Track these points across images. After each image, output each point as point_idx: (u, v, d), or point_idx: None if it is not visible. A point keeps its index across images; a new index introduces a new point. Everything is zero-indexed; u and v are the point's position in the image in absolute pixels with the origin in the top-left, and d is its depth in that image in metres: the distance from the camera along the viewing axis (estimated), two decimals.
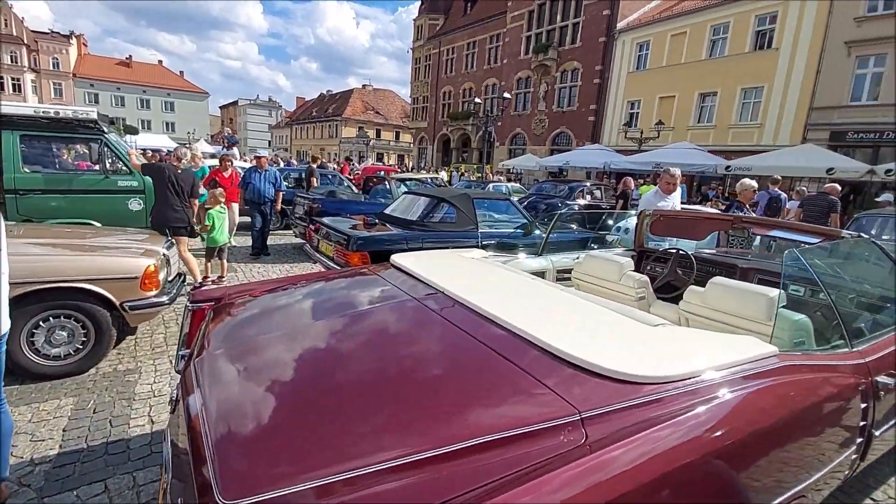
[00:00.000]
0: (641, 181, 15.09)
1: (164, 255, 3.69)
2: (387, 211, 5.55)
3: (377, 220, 4.99)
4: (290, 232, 8.08)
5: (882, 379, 1.68)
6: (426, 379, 1.34)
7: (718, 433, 1.18)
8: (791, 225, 2.94)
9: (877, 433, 1.71)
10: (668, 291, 3.11)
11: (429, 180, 10.84)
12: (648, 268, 3.51)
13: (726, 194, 14.43)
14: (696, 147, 17.17)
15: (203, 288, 2.15)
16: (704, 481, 1.14)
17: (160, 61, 60.75)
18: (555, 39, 27.04)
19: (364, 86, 60.36)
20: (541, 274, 3.26)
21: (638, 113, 23.23)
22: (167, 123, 53.91)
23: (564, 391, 1.17)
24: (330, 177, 9.11)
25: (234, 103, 79.70)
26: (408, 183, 8.59)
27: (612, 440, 1.05)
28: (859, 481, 2.35)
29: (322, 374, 1.38)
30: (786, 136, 18.09)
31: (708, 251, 3.56)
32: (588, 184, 10.95)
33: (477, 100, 20.54)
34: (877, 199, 13.20)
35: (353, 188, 8.77)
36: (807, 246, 2.40)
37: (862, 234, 2.40)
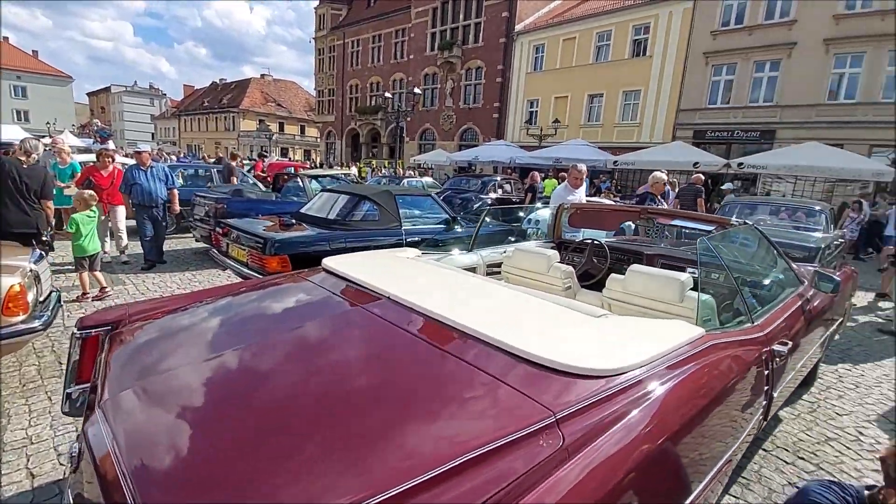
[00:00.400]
0: (543, 175, 16.07)
1: (31, 270, 3.06)
2: (303, 210, 5.21)
3: (294, 221, 4.65)
4: (191, 236, 7.23)
5: (777, 347, 1.93)
6: (386, 397, 1.20)
7: (674, 414, 1.24)
8: (689, 215, 3.31)
9: (775, 395, 1.96)
10: (586, 279, 3.31)
11: (342, 176, 10.43)
12: (567, 258, 3.70)
13: (618, 187, 15.92)
14: (588, 144, 18.66)
15: (94, 314, 1.78)
16: (668, 462, 1.20)
17: (5, 38, 50.62)
18: (459, 38, 27.55)
19: (263, 75, 56.18)
20: (472, 270, 3.28)
21: (537, 111, 24.63)
22: (18, 112, 45.31)
23: (535, 393, 1.15)
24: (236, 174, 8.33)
25: (107, 90, 69.30)
26: (321, 180, 8.17)
27: (586, 439, 1.04)
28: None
29: (262, 409, 1.16)
30: (659, 134, 20.42)
31: (615, 240, 3.83)
32: (498, 178, 11.35)
33: (387, 94, 20.24)
34: (722, 188, 15.55)
35: (261, 186, 8.08)
36: (705, 232, 2.69)
37: (746, 221, 2.75)
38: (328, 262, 2.22)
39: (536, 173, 10.73)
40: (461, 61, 27.56)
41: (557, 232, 3.90)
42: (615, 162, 15.84)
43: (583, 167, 4.66)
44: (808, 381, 3.43)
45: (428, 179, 14.15)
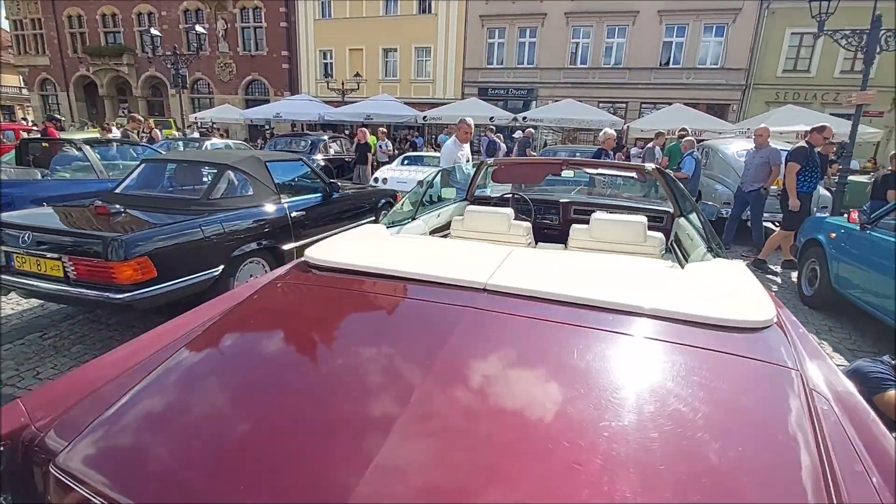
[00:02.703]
0: (371, 130, 15.37)
1: None
2: (123, 191, 3.64)
3: (120, 207, 3.21)
4: None
5: None
6: (622, 406, 0.90)
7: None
8: (612, 164, 3.59)
9: None
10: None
11: (120, 140, 7.72)
12: None
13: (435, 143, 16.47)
14: (394, 99, 18.55)
15: None
16: None
17: None
18: None
19: None
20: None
21: (332, 63, 22.97)
22: None
23: (764, 354, 1.07)
24: None
25: None
26: (96, 148, 5.80)
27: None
28: None
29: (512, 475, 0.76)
30: (451, 90, 21.75)
31: (525, 193, 3.91)
32: (326, 137, 10.24)
33: (154, 31, 15.39)
34: (513, 136, 17.94)
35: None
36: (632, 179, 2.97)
37: (656, 165, 3.15)
38: (323, 255, 1.59)
39: (365, 130, 10.07)
40: None
41: (472, 189, 3.76)
42: (424, 117, 16.23)
43: (471, 121, 4.53)
44: None
45: (236, 142, 11.68)
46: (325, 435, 0.88)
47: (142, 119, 8.56)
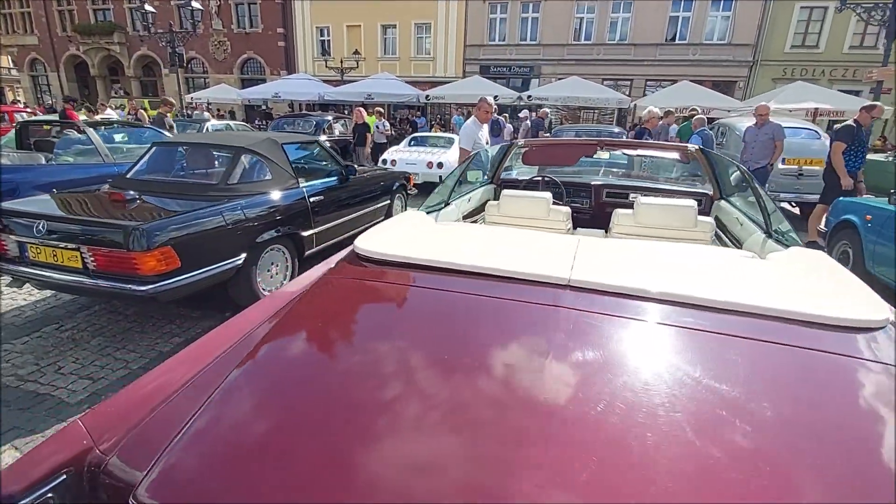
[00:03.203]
0: (370, 111, 15.00)
1: None
2: (134, 176, 3.45)
3: (137, 195, 3.05)
4: None
5: None
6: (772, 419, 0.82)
7: None
8: (653, 144, 3.42)
9: None
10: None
11: (116, 123, 7.45)
12: None
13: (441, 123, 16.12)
14: (396, 78, 18.06)
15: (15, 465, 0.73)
16: None
17: None
18: None
19: None
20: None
21: (329, 41, 22.30)
22: None
23: (888, 356, 0.96)
24: None
25: None
26: (101, 130, 5.56)
27: None
28: None
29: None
30: (452, 68, 21.20)
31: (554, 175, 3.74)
32: (330, 118, 9.93)
33: (147, 7, 14.76)
34: (519, 115, 17.57)
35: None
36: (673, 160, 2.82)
37: (700, 147, 2.99)
38: (379, 249, 1.45)
39: (363, 110, 9.75)
40: None
41: (500, 172, 3.59)
42: (427, 96, 15.83)
43: (491, 100, 4.32)
44: None
45: (236, 122, 11.30)
46: (454, 447, 0.77)
47: (173, 102, 8.22)
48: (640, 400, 0.85)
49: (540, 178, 3.39)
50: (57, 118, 7.76)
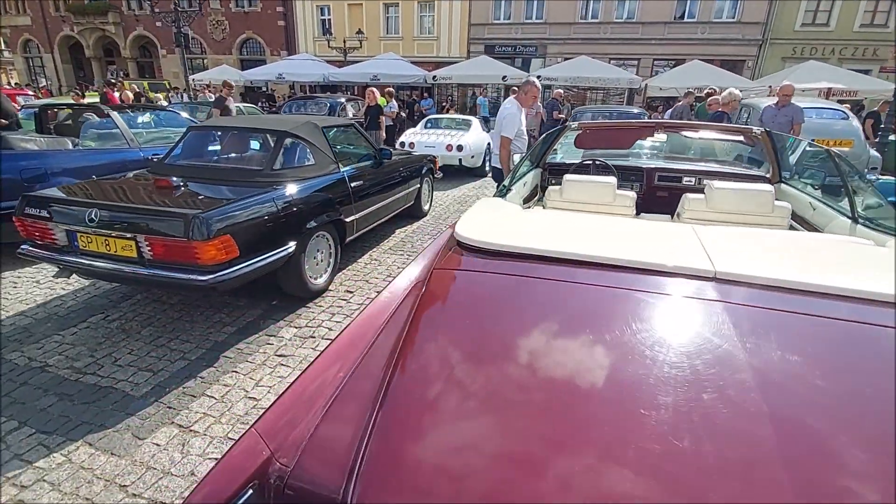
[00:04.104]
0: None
1: None
2: (171, 161, 3.31)
3: (182, 181, 2.92)
4: None
5: None
6: None
7: None
8: (716, 126, 3.30)
9: None
10: None
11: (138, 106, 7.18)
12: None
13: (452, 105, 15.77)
14: (401, 58, 17.61)
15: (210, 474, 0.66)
16: None
17: None
18: None
19: None
20: None
21: (330, 19, 21.66)
22: None
23: None
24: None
25: None
26: (133, 113, 5.34)
27: None
28: None
29: None
30: (456, 49, 20.69)
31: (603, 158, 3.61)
32: (343, 99, 9.66)
33: None
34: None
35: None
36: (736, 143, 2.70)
37: (764, 128, 2.87)
38: (487, 239, 1.36)
39: (375, 91, 9.48)
40: None
41: (546, 156, 3.47)
42: (434, 77, 15.47)
43: (539, 83, 4.10)
44: None
45: (247, 105, 10.96)
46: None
47: (233, 84, 7.93)
48: (859, 412, 0.77)
49: (590, 162, 3.28)
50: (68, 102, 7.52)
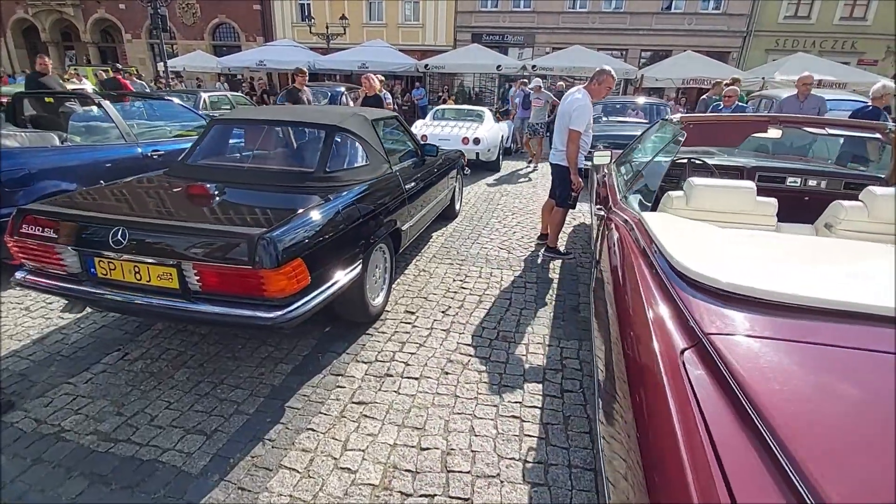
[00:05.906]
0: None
1: None
2: (195, 161, 2.70)
3: (221, 188, 2.34)
4: None
5: None
6: None
7: None
8: (840, 122, 2.93)
9: None
10: None
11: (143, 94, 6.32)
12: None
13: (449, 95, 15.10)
14: (389, 46, 16.81)
15: None
16: None
17: None
18: None
19: None
20: None
21: (309, 4, 20.48)
22: None
23: None
24: None
25: None
26: (133, 104, 4.57)
27: None
28: None
29: None
30: (443, 37, 19.96)
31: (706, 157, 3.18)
32: (343, 89, 8.93)
33: None
34: (529, 86, 16.76)
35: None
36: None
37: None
38: (745, 283, 0.96)
39: (373, 78, 8.81)
40: None
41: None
42: (426, 66, 14.79)
43: (615, 73, 3.60)
44: None
45: (236, 94, 9.98)
46: None
47: (306, 70, 7.00)
48: None
49: (686, 161, 2.87)
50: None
